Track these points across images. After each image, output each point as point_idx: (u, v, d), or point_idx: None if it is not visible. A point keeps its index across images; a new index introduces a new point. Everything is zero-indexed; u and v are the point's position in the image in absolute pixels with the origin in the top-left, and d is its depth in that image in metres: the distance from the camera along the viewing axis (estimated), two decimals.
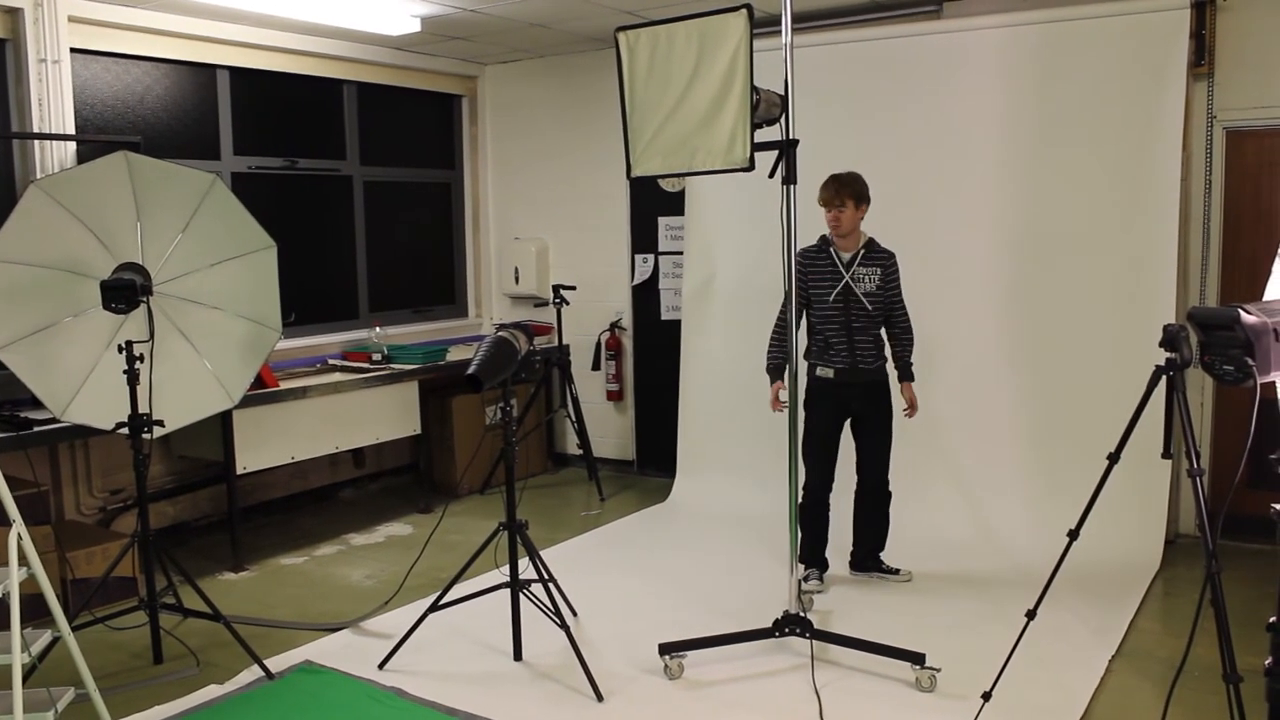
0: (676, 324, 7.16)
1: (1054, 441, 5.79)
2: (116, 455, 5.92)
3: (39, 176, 5.28)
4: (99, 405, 4.59)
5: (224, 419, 5.66)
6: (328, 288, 7.32)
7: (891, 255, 5.13)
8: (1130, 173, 5.59)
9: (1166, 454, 3.51)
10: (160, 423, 4.37)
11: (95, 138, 5.69)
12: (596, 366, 7.81)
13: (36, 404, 4.81)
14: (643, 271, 7.60)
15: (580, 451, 7.54)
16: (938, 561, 5.56)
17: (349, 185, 7.43)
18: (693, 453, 6.92)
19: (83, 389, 4.59)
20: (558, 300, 7.42)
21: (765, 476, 6.38)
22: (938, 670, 4.07)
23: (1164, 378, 3.30)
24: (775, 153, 4.08)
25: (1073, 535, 3.55)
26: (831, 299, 5.06)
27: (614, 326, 7.74)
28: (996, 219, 5.94)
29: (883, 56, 6.21)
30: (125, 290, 4.15)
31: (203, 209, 4.60)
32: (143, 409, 4.35)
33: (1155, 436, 3.83)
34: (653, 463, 7.64)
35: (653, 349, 7.60)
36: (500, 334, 4.26)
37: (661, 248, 7.51)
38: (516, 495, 4.40)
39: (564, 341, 7.52)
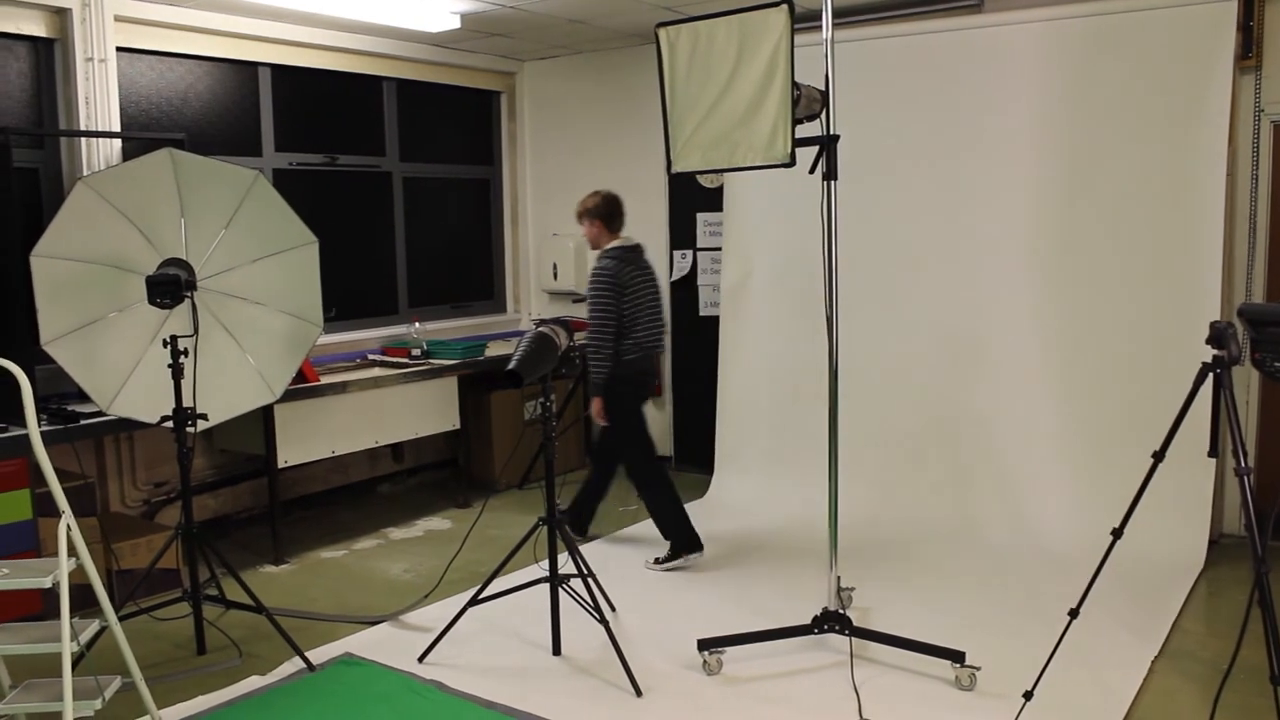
0: (715, 320, 7.16)
1: (1096, 439, 5.74)
2: (160, 448, 5.99)
3: (86, 174, 5.36)
4: (144, 399, 4.65)
5: (265, 413, 5.71)
6: (367, 283, 7.37)
7: (599, 261, 5.52)
8: (1175, 167, 5.53)
9: (1213, 452, 3.48)
10: (204, 416, 4.43)
11: (140, 135, 5.76)
12: None
13: (83, 397, 4.89)
14: (681, 267, 7.60)
15: None
16: (978, 559, 5.53)
17: (388, 181, 7.48)
18: (731, 449, 6.90)
19: (128, 383, 4.65)
20: None
21: (803, 473, 6.37)
22: (978, 669, 4.05)
23: (1210, 375, 3.27)
24: (816, 148, 4.08)
25: (1117, 534, 3.53)
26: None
27: None
28: (1038, 214, 5.89)
29: (924, 51, 6.18)
30: (170, 285, 4.20)
31: (245, 205, 4.65)
32: (187, 403, 4.42)
33: (1200, 435, 3.80)
34: (690, 459, 7.63)
35: (691, 345, 7.59)
36: (541, 329, 4.29)
37: (700, 244, 7.50)
38: (555, 490, 4.43)
39: None
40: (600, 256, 5.57)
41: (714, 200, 7.26)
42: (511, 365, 4.05)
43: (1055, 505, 5.80)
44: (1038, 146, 5.88)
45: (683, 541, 5.59)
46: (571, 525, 5.99)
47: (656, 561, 5.60)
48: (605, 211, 5.63)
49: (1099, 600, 4.80)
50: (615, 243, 5.60)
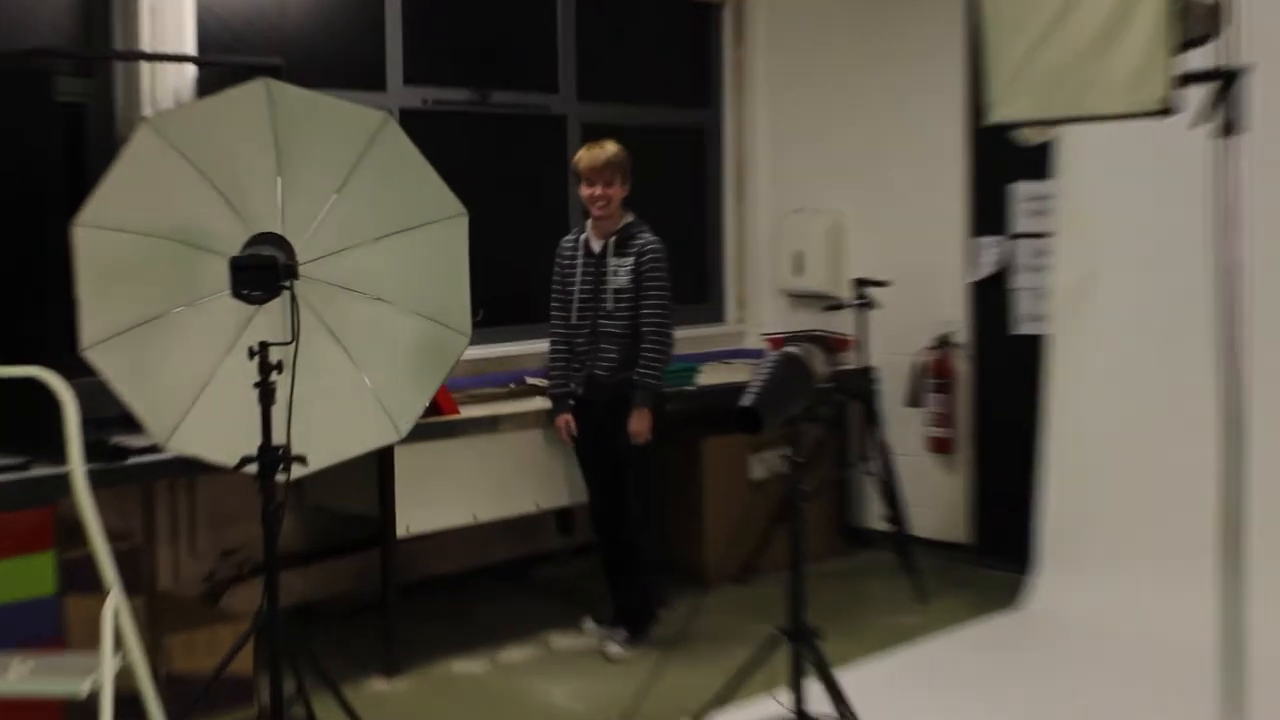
0: (1037, 341, 7.06)
1: None
2: (231, 502, 6.17)
3: (150, 113, 5.58)
4: (216, 431, 4.80)
5: (382, 458, 5.81)
6: (530, 274, 7.46)
7: (644, 236, 6.24)
8: None
9: None
10: (301, 459, 4.54)
11: (223, 60, 5.97)
12: (915, 402, 7.77)
13: (131, 425, 5.01)
14: (986, 263, 7.53)
15: (889, 527, 7.51)
16: None
17: (562, 129, 7.63)
18: (1064, 534, 6.76)
19: (195, 408, 4.81)
20: (860, 302, 7.40)
21: (1180, 576, 6.16)
22: None
23: None
24: (1208, 88, 3.96)
25: None
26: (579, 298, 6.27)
27: (942, 342, 7.71)
28: None
29: None
30: (262, 272, 4.32)
31: (367, 160, 4.77)
32: (278, 440, 4.51)
33: None
34: (999, 548, 7.50)
35: (1002, 377, 7.52)
36: (790, 350, 4.33)
37: (1016, 228, 7.42)
38: (803, 586, 4.43)
39: (868, 363, 7.50)
40: (640, 229, 6.25)
41: (1039, 163, 7.14)
42: (748, 402, 4.05)
43: None
44: None
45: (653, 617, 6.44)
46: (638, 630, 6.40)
47: (627, 642, 6.32)
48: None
49: None
50: (632, 218, 6.32)
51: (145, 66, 5.78)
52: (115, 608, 3.65)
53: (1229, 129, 3.99)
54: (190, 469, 5.23)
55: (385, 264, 4.85)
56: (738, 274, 8.52)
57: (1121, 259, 6.65)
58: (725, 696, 4.62)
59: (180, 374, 4.80)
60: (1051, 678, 5.90)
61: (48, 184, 5.01)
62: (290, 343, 4.54)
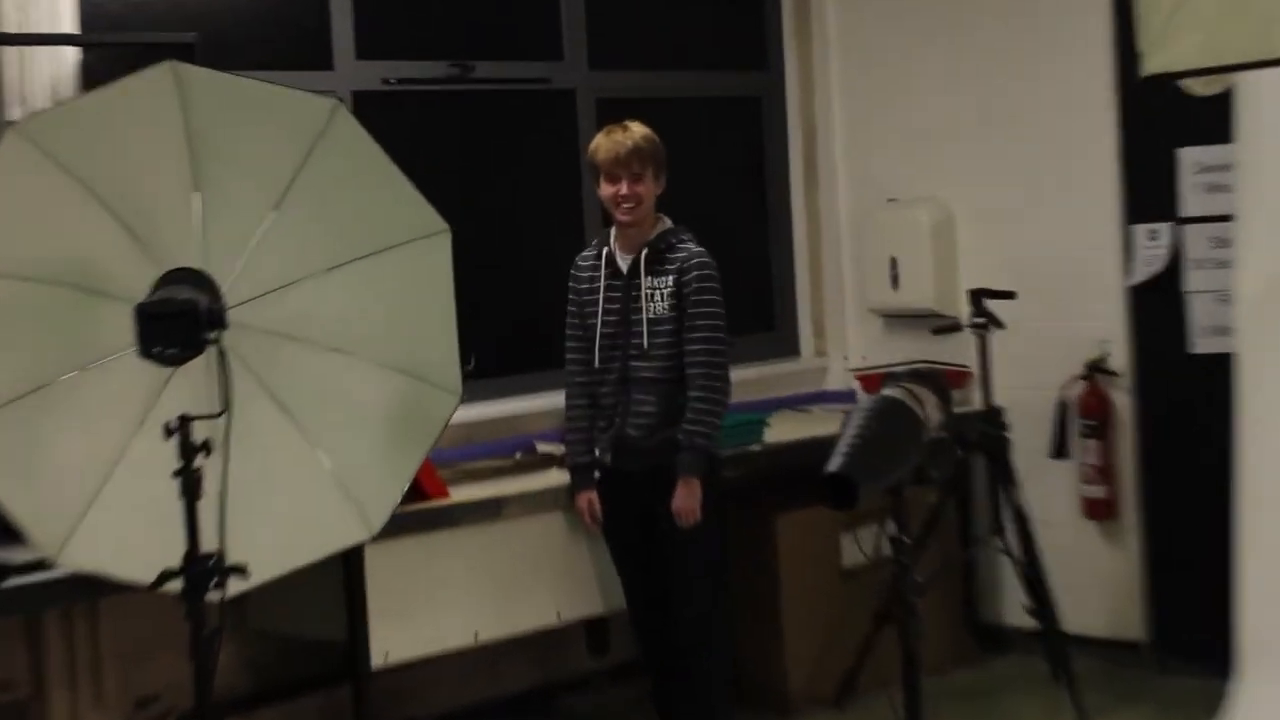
0: (1222, 361, 7.01)
1: None
2: (149, 633, 6.15)
3: (19, 115, 5.59)
4: (125, 539, 4.79)
5: (348, 563, 5.83)
6: (535, 306, 7.48)
7: (691, 247, 6.30)
8: None
9: None
10: (241, 569, 4.51)
11: (117, 39, 6.00)
12: (1060, 452, 7.76)
13: (9, 534, 4.99)
14: (1150, 259, 7.52)
15: (1033, 623, 7.44)
16: None
17: (570, 107, 7.65)
18: (1273, 626, 6.70)
19: (95, 508, 4.79)
20: (980, 321, 7.39)
21: None
22: None
23: None
24: None
25: None
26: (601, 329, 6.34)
27: (1094, 370, 7.69)
28: None
29: None
30: (179, 321, 4.30)
31: (313, 164, 4.76)
32: (208, 545, 4.48)
33: None
34: (1184, 647, 7.48)
35: (1176, 413, 7.52)
36: (890, 393, 4.32)
37: (1186, 210, 7.42)
38: (919, 707, 4.42)
39: (994, 402, 7.48)
40: (680, 238, 6.29)
41: (1214, 122, 7.11)
42: (836, 465, 4.04)
43: None
44: None
45: None
46: None
47: None
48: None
49: None
50: (669, 223, 6.40)
51: (11, 53, 5.78)
52: None
53: None
54: (91, 590, 5.25)
55: (343, 302, 4.85)
56: (813, 291, 8.52)
57: None
58: None
59: (73, 462, 4.79)
60: None
61: None
62: (220, 414, 4.51)
